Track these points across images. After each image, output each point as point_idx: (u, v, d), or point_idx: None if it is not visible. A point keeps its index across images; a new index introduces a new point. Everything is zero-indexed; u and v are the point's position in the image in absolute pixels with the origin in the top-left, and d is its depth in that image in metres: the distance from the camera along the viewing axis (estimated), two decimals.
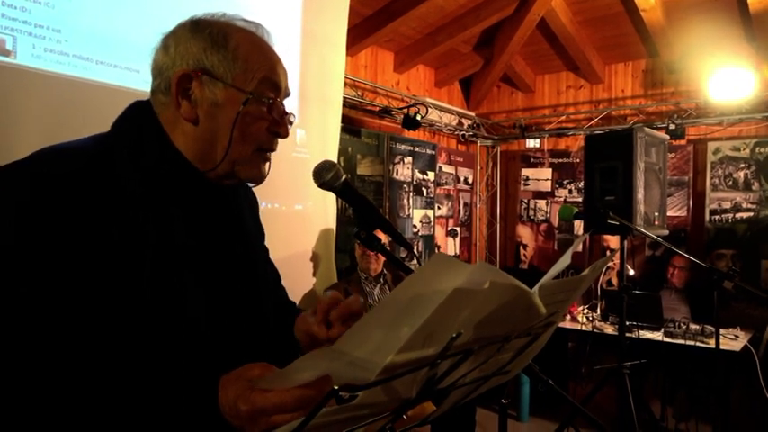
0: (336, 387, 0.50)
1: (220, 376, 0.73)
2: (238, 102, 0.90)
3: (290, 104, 1.01)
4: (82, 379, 0.74)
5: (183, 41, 0.91)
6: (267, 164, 0.98)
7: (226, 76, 0.90)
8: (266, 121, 0.93)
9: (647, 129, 3.17)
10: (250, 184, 1.07)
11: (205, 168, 0.92)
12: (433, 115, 4.89)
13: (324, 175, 1.05)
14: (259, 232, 1.13)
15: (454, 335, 0.52)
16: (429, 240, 4.99)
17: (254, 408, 0.67)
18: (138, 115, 0.93)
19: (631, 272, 4.12)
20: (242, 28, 0.95)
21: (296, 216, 3.09)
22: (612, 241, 4.87)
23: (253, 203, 1.14)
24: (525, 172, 5.48)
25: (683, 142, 4.57)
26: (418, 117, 4.30)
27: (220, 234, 0.96)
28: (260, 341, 0.96)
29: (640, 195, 3.00)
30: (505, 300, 0.54)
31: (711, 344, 3.21)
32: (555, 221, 5.30)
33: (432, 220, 5.02)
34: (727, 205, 4.39)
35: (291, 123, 1.01)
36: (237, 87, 0.90)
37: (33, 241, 0.76)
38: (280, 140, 0.99)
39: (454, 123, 5.28)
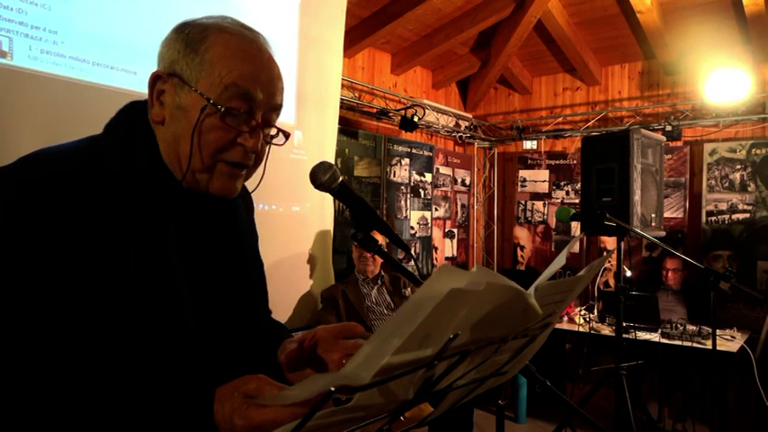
0: (333, 389, 0.50)
1: (216, 388, 0.72)
2: (199, 108, 0.85)
3: (287, 106, 0.99)
4: (73, 385, 0.73)
5: (167, 43, 0.90)
6: (238, 178, 0.91)
7: (191, 79, 0.85)
8: (228, 131, 0.86)
9: (643, 130, 3.18)
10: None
11: (179, 177, 0.88)
12: (431, 117, 4.90)
13: (320, 177, 1.04)
14: (254, 237, 1.11)
15: (451, 336, 0.52)
16: (426, 242, 4.99)
17: (250, 423, 0.66)
18: (130, 116, 0.91)
19: (628, 273, 4.12)
20: (225, 30, 0.88)
21: (293, 218, 3.09)
22: (609, 242, 4.87)
23: (249, 209, 1.11)
24: (522, 173, 5.48)
25: (679, 144, 4.58)
26: (415, 119, 4.30)
27: (212, 239, 0.95)
28: (253, 347, 0.95)
29: (637, 197, 3.01)
30: (502, 301, 0.54)
31: (708, 345, 3.22)
32: (552, 223, 5.30)
33: (429, 221, 5.02)
34: (723, 206, 4.40)
35: (287, 136, 0.95)
36: (200, 93, 0.84)
37: (20, 243, 0.74)
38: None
39: (451, 125, 5.29)
